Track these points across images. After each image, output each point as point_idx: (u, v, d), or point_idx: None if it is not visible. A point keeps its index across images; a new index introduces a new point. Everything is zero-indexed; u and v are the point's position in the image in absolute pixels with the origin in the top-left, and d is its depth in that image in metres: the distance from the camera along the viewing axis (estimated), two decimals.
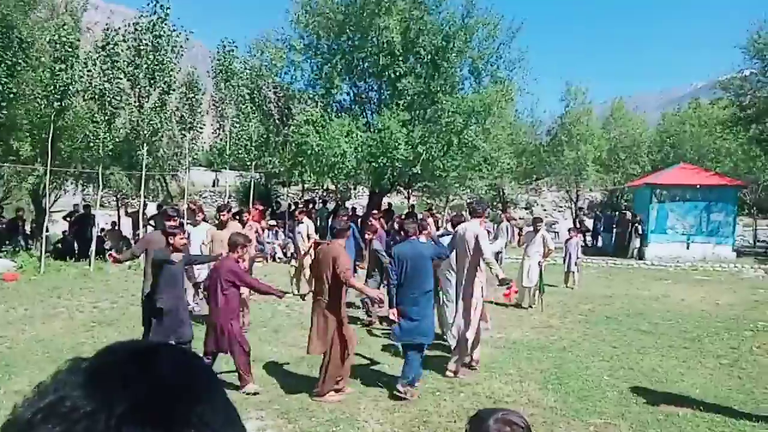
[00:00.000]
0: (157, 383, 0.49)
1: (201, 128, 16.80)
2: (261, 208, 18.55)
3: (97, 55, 13.66)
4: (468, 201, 9.07)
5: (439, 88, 17.06)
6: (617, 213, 22.56)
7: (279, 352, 7.46)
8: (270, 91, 19.47)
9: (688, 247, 18.53)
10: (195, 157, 20.82)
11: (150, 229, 16.81)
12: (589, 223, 24.31)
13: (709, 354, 7.53)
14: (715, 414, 5.39)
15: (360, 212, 20.96)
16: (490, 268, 6.57)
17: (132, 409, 0.46)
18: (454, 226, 7.88)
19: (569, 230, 14.64)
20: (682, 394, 5.95)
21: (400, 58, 16.93)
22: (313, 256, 9.75)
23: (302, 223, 11.36)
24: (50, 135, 13.31)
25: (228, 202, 16.36)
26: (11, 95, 13.11)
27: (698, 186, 18.41)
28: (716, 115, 25.66)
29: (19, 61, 12.90)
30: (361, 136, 16.65)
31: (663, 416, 5.34)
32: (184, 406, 0.49)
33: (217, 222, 9.38)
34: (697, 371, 6.78)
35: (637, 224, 18.90)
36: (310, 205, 19.78)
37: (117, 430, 0.45)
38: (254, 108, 17.53)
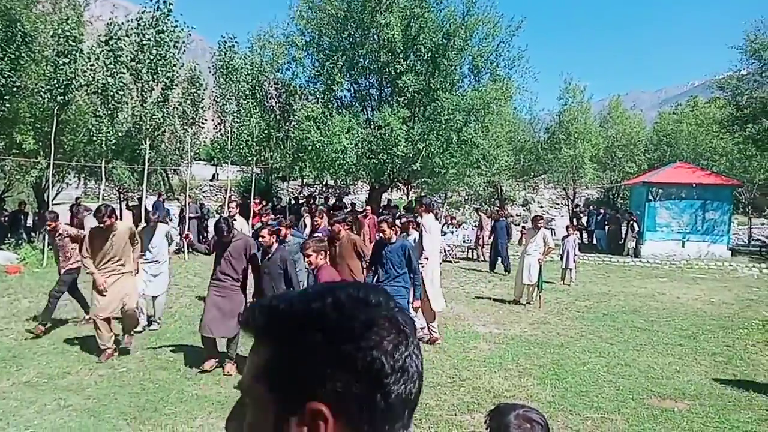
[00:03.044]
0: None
1: (203, 123, 16.88)
2: (260, 202, 18.63)
3: (100, 50, 13.71)
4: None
5: (439, 86, 17.18)
6: (607, 211, 22.75)
7: None
8: (271, 87, 19.53)
9: (683, 246, 18.74)
10: (197, 151, 20.87)
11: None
12: (585, 220, 24.55)
13: (704, 351, 7.71)
14: (710, 409, 5.56)
15: (359, 208, 21.09)
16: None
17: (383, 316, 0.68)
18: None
19: (567, 227, 14.82)
20: (678, 390, 6.13)
21: (401, 56, 17.04)
22: None
23: (235, 220, 9.69)
24: (53, 128, 13.38)
25: (229, 196, 16.45)
26: (14, 89, 13.16)
27: (694, 185, 18.61)
28: (713, 114, 25.86)
29: (23, 54, 12.94)
30: (361, 133, 16.77)
31: (659, 411, 5.51)
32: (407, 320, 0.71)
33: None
34: (692, 368, 6.95)
35: (632, 222, 19.10)
36: (311, 201, 19.89)
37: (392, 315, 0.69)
38: (255, 104, 17.58)
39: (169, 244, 8.73)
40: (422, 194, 11.04)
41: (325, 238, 6.24)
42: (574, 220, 23.97)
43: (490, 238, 15.90)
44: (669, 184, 18.97)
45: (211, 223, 16.48)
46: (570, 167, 23.97)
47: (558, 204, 31.19)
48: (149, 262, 8.22)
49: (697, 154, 25.44)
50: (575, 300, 11.38)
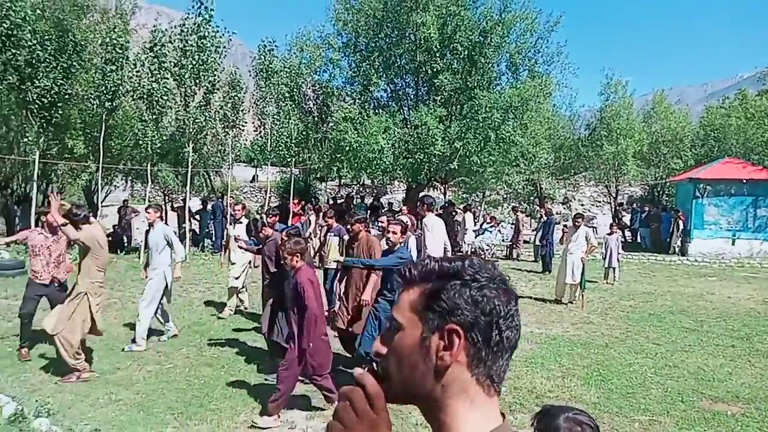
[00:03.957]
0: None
1: (243, 126, 17.25)
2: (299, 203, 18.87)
3: (146, 56, 14.17)
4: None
5: (476, 84, 17.02)
6: (651, 208, 22.12)
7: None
8: (309, 89, 19.75)
9: (733, 243, 18.06)
10: (237, 154, 21.32)
11: (195, 223, 17.39)
12: (627, 219, 23.93)
13: (758, 353, 7.40)
14: (766, 414, 5.34)
15: (396, 207, 21.10)
16: None
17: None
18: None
19: (610, 226, 14.48)
20: (730, 393, 5.90)
21: (437, 55, 16.95)
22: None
23: (240, 222, 9.59)
24: (101, 133, 13.92)
25: (269, 197, 16.73)
26: (66, 96, 13.71)
27: (744, 180, 17.90)
28: (764, 107, 24.75)
29: (74, 63, 13.47)
30: (398, 132, 16.77)
31: (710, 415, 5.32)
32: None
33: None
34: (745, 370, 6.69)
35: (678, 220, 18.52)
36: (350, 201, 20.04)
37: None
38: (294, 106, 17.83)
39: (171, 248, 7.60)
40: (424, 194, 10.89)
41: (302, 239, 5.85)
42: (616, 218, 23.40)
43: (542, 238, 15.48)
44: (717, 180, 18.29)
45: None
46: (612, 164, 23.35)
47: (599, 202, 30.45)
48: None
49: (747, 149, 24.35)
50: (619, 299, 11.11)
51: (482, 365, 0.92)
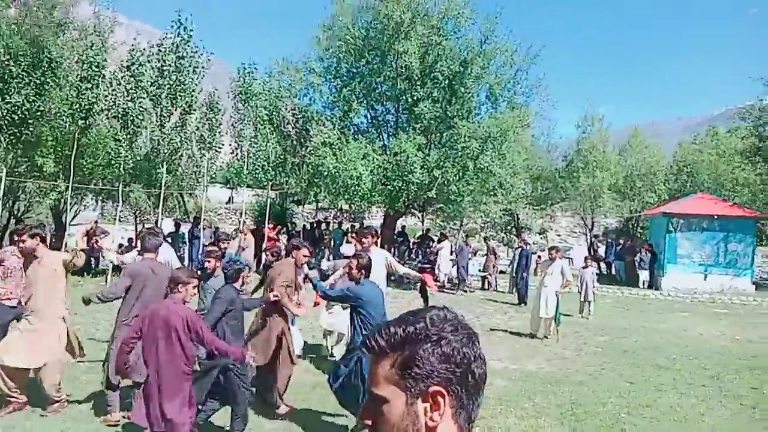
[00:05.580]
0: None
1: (220, 148, 17.03)
2: (274, 227, 18.61)
3: (122, 75, 13.98)
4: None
5: (455, 113, 17.13)
6: (626, 241, 22.40)
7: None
8: (288, 112, 19.64)
9: (705, 278, 18.30)
10: (213, 175, 21.05)
11: (167, 245, 16.95)
12: (603, 250, 24.15)
13: (730, 393, 7.37)
14: None
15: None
16: None
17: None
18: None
19: (585, 259, 14.53)
20: None
21: (418, 83, 17.07)
22: None
23: None
24: (73, 152, 13.58)
25: (244, 219, 16.46)
26: (38, 113, 13.40)
27: (716, 216, 18.24)
28: (734, 145, 25.46)
29: (47, 80, 13.20)
30: (377, 159, 16.73)
31: None
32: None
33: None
34: (717, 411, 6.64)
35: (642, 254, 18.77)
36: (323, 226, 19.84)
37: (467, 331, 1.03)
38: (272, 129, 17.70)
39: None
40: (367, 225, 10.54)
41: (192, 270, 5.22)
42: (592, 250, 23.59)
43: (518, 269, 15.48)
44: (690, 215, 18.62)
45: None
46: (588, 196, 23.66)
47: (576, 233, 30.80)
48: None
49: (718, 185, 24.95)
50: (594, 335, 11.07)
51: (464, 411, 0.99)
